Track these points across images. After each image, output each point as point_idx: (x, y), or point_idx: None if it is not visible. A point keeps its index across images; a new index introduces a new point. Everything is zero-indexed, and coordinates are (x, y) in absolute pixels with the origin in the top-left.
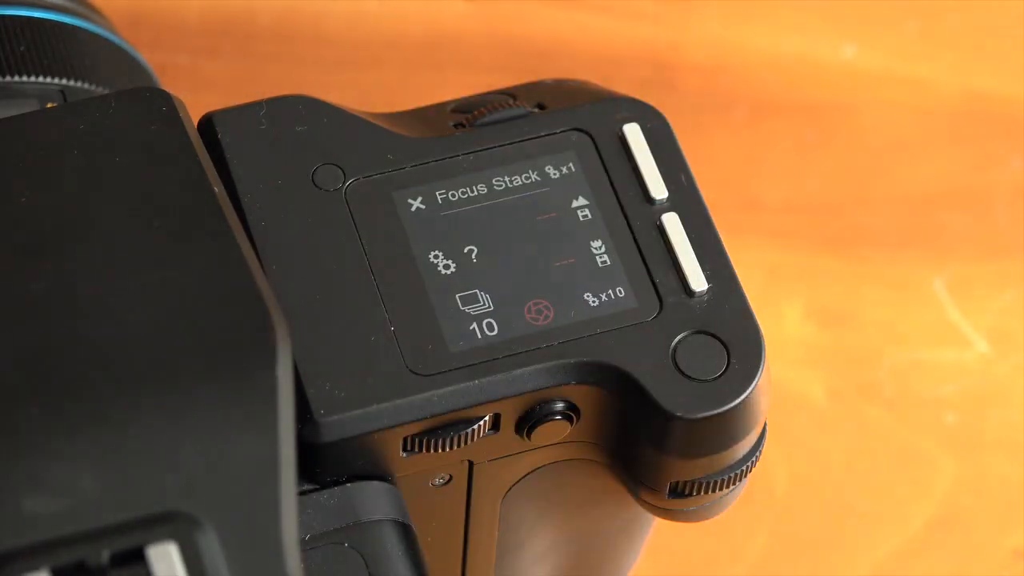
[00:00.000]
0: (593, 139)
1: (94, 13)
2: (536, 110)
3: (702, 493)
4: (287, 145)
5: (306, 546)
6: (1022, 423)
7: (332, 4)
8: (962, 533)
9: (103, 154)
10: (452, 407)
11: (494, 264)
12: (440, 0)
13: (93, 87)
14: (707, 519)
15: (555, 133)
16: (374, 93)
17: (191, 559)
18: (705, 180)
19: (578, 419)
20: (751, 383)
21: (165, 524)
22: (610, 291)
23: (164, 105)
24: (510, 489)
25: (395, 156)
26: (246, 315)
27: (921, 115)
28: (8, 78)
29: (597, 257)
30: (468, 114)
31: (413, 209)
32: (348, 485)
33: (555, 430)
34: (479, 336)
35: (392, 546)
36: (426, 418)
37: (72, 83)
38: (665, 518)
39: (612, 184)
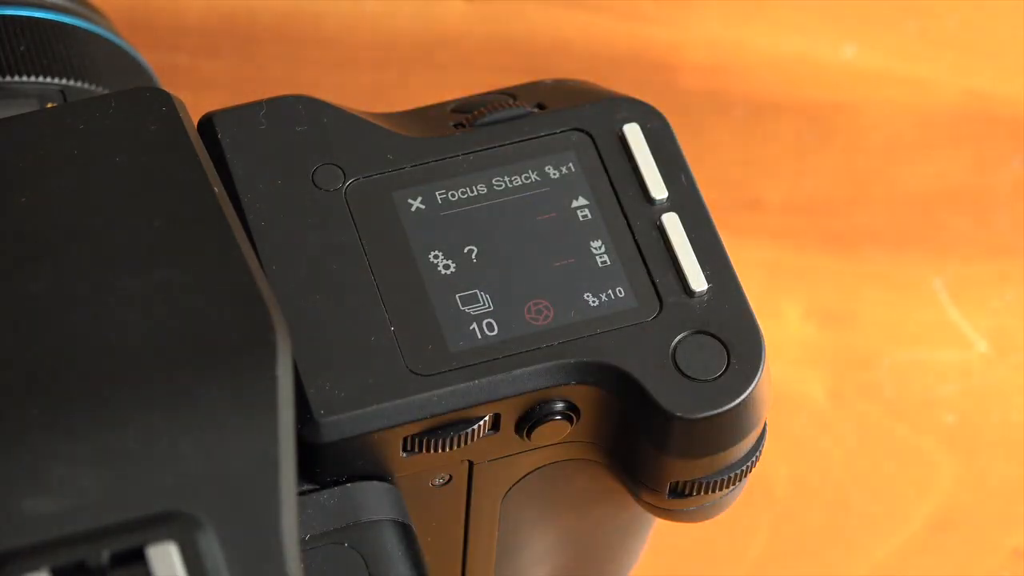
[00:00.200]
0: (593, 139)
1: (94, 13)
2: (536, 110)
3: (702, 493)
4: (287, 145)
5: (306, 546)
6: (1022, 423)
7: (332, 4)
8: (962, 533)
9: (103, 154)
10: (452, 407)
11: (494, 264)
12: (440, 0)
13: (93, 87)
14: (707, 519)
15: (555, 133)
16: (374, 93)
17: (191, 559)
18: (705, 180)
19: (578, 419)
20: (751, 383)
21: (165, 524)
22: (610, 291)
23: (164, 105)
24: (510, 489)
25: (395, 156)
26: (246, 315)
27: (921, 115)
28: (8, 78)
29: (597, 257)
30: (468, 114)
31: (413, 209)
32: (348, 485)
33: (555, 430)
34: (479, 336)
35: (392, 546)
36: (426, 418)
37: (72, 83)
38: (665, 518)
39: (612, 184)
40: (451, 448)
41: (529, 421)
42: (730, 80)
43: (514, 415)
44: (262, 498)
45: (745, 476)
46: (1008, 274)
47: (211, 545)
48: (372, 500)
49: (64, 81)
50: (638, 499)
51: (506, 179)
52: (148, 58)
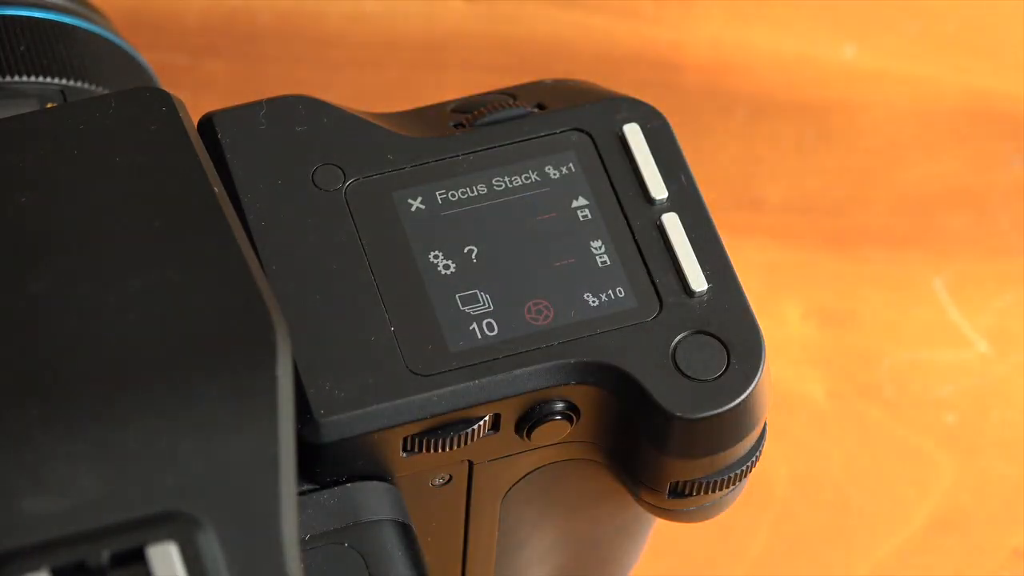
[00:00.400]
0: (593, 139)
1: (94, 13)
2: (536, 110)
3: (702, 493)
4: (287, 145)
5: (306, 546)
6: (1022, 423)
7: (332, 4)
8: (962, 533)
9: (103, 154)
10: (452, 407)
11: (494, 264)
12: (440, 0)
13: (93, 87)
14: (707, 519)
15: (555, 133)
16: (374, 93)
17: (191, 559)
18: (705, 180)
19: (578, 419)
20: (751, 383)
21: (165, 524)
22: (610, 291)
23: (164, 105)
24: (510, 489)
25: (395, 156)
26: (246, 315)
27: (921, 115)
28: (8, 78)
29: (597, 257)
30: (468, 114)
31: (413, 209)
32: (348, 485)
33: (555, 430)
34: (479, 336)
35: (392, 546)
36: (426, 418)
37: (72, 83)
38: (665, 518)
39: (612, 184)
40: (451, 448)
41: (529, 421)
42: (730, 80)
43: (514, 415)
44: (262, 498)
45: (745, 476)
46: (1008, 274)
47: (211, 545)
48: (372, 500)
49: (64, 81)
50: (638, 499)
51: (506, 179)
52: (148, 58)
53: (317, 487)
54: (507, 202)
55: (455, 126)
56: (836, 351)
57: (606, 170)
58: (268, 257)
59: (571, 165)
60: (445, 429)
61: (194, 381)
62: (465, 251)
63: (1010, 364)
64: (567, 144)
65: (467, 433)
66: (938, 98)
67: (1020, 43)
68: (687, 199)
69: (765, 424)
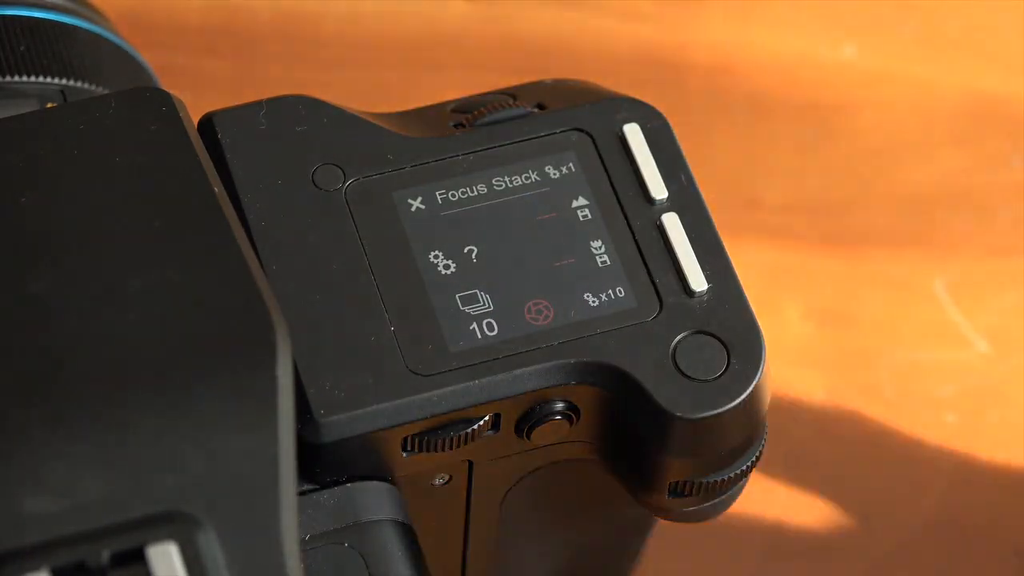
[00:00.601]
0: (593, 139)
1: (94, 13)
2: (536, 110)
3: (702, 493)
4: (287, 145)
5: (306, 546)
6: (1022, 423)
7: (332, 4)
8: (962, 533)
9: (103, 154)
10: (452, 407)
11: (494, 264)
12: (440, 0)
13: (93, 87)
14: (707, 519)
15: (555, 133)
16: (374, 93)
17: (191, 559)
18: (705, 180)
19: (578, 419)
20: (751, 383)
21: (165, 524)
22: (610, 291)
23: (164, 105)
24: (510, 489)
25: (395, 156)
26: (246, 315)
27: (921, 115)
28: (8, 78)
29: (597, 257)
30: (468, 114)
31: (413, 209)
32: (348, 485)
33: (555, 430)
34: (479, 336)
35: (392, 546)
36: (426, 418)
37: (72, 83)
38: (665, 518)
39: (612, 184)
40: (451, 448)
41: (529, 421)
42: (730, 80)
43: (514, 415)
44: (262, 498)
45: (745, 476)
46: (1008, 274)
47: (211, 545)
48: (372, 500)
49: (64, 81)
50: (638, 499)
51: (506, 179)
52: (148, 58)
53: (317, 487)
54: (507, 202)
55: (455, 126)
56: (836, 351)
57: (606, 170)
58: (268, 257)
59: (571, 165)
60: (445, 429)
61: (194, 381)
62: (465, 251)
63: (1010, 364)
64: (567, 144)
65: (467, 433)
66: (938, 98)
67: (1020, 44)
68: (687, 199)
69: (765, 424)
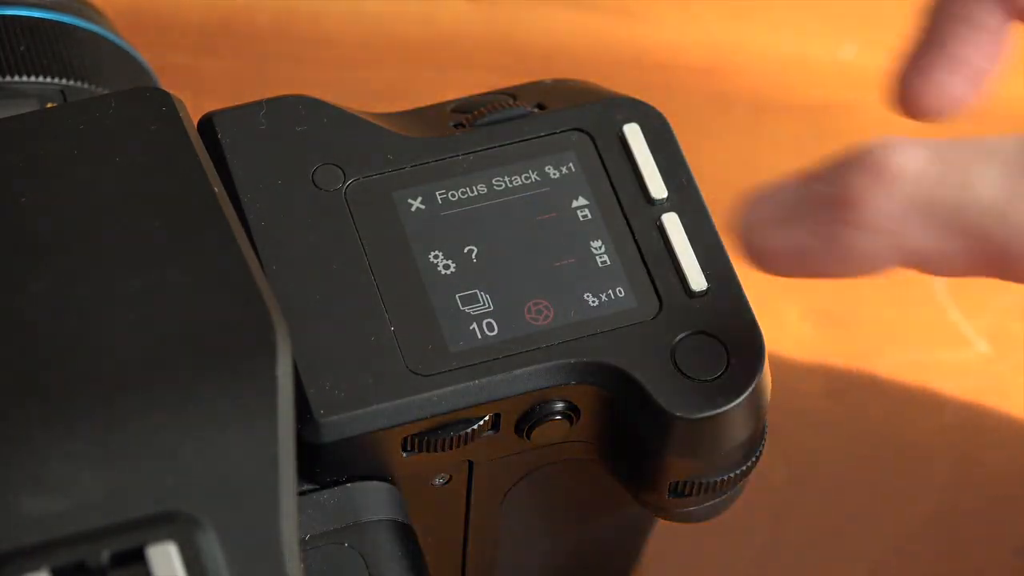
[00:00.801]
0: (593, 139)
1: (94, 13)
2: (536, 110)
3: (702, 493)
4: (287, 145)
5: (306, 546)
6: (1022, 423)
7: (332, 4)
8: (961, 533)
9: (103, 154)
10: (452, 407)
11: (494, 264)
12: (440, 0)
13: (93, 87)
14: (707, 519)
15: (555, 133)
16: (374, 93)
17: (191, 559)
18: (705, 180)
19: (578, 419)
20: (751, 383)
21: (165, 524)
22: (610, 291)
23: (164, 105)
24: (510, 489)
25: (395, 156)
26: (246, 315)
27: None
28: (8, 78)
29: (597, 257)
30: (468, 114)
31: (413, 209)
32: (348, 485)
33: (555, 430)
34: (479, 336)
35: (392, 546)
36: (426, 418)
37: (72, 83)
38: (665, 518)
39: (612, 184)
40: (451, 448)
41: (529, 421)
42: (730, 80)
43: (514, 415)
44: (262, 498)
45: (745, 476)
46: None
47: (211, 545)
48: (372, 500)
49: (64, 81)
50: (638, 499)
51: (506, 179)
52: (148, 58)
53: (317, 487)
54: (507, 202)
55: (455, 126)
56: (836, 351)
57: (606, 170)
58: (268, 257)
59: (571, 165)
60: (445, 429)
61: (194, 381)
62: (465, 251)
63: (1010, 364)
64: (567, 144)
65: (467, 433)
66: None
67: (1020, 44)
68: (687, 199)
69: (765, 424)
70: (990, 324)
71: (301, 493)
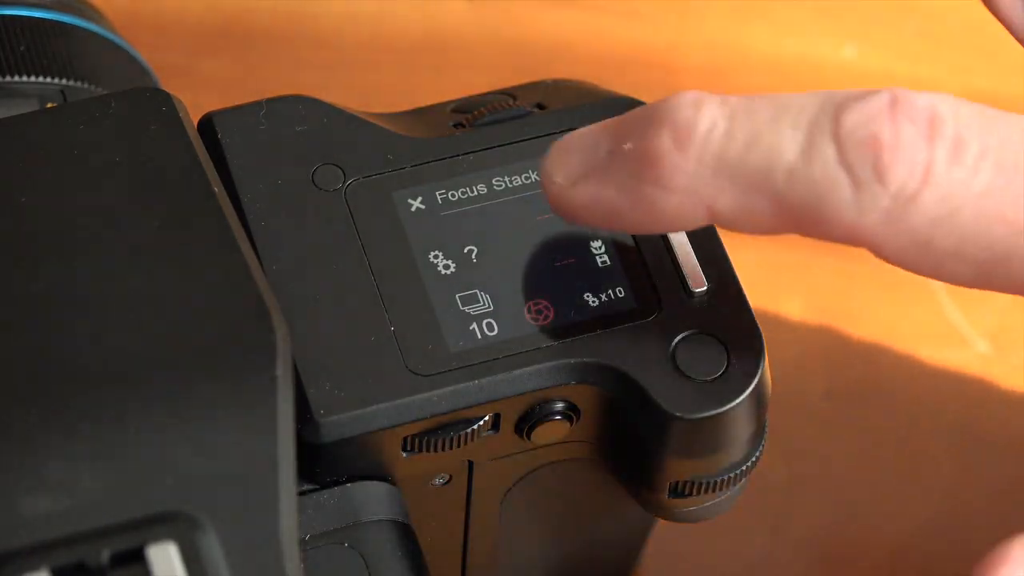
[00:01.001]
0: None
1: (94, 13)
2: (536, 110)
3: (702, 493)
4: (287, 145)
5: (306, 546)
6: (1022, 423)
7: (332, 4)
8: (961, 533)
9: (103, 154)
10: (452, 407)
11: (494, 264)
12: (440, 0)
13: (93, 87)
14: (707, 519)
15: (555, 133)
16: (374, 93)
17: (191, 559)
18: None
19: (578, 419)
20: (751, 383)
21: (165, 524)
22: (610, 291)
23: (164, 105)
24: (510, 489)
25: (395, 156)
26: (246, 315)
27: None
28: (8, 78)
29: (597, 257)
30: (468, 114)
31: (413, 209)
32: (348, 485)
33: (555, 430)
34: (479, 336)
35: (392, 546)
36: (426, 418)
37: (72, 83)
38: (665, 518)
39: None
40: (451, 448)
41: (529, 421)
42: (730, 81)
43: (514, 415)
44: (262, 498)
45: (745, 476)
46: None
47: (211, 545)
48: (372, 500)
49: (64, 81)
50: (638, 499)
51: (506, 179)
52: (148, 58)
53: (317, 487)
54: (507, 202)
55: (455, 126)
56: (836, 351)
57: None
58: (268, 257)
59: None
60: (445, 429)
61: (194, 381)
62: (465, 251)
63: (1010, 364)
64: None
65: (467, 433)
66: None
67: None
68: None
69: (765, 424)
70: (990, 324)
71: (301, 493)
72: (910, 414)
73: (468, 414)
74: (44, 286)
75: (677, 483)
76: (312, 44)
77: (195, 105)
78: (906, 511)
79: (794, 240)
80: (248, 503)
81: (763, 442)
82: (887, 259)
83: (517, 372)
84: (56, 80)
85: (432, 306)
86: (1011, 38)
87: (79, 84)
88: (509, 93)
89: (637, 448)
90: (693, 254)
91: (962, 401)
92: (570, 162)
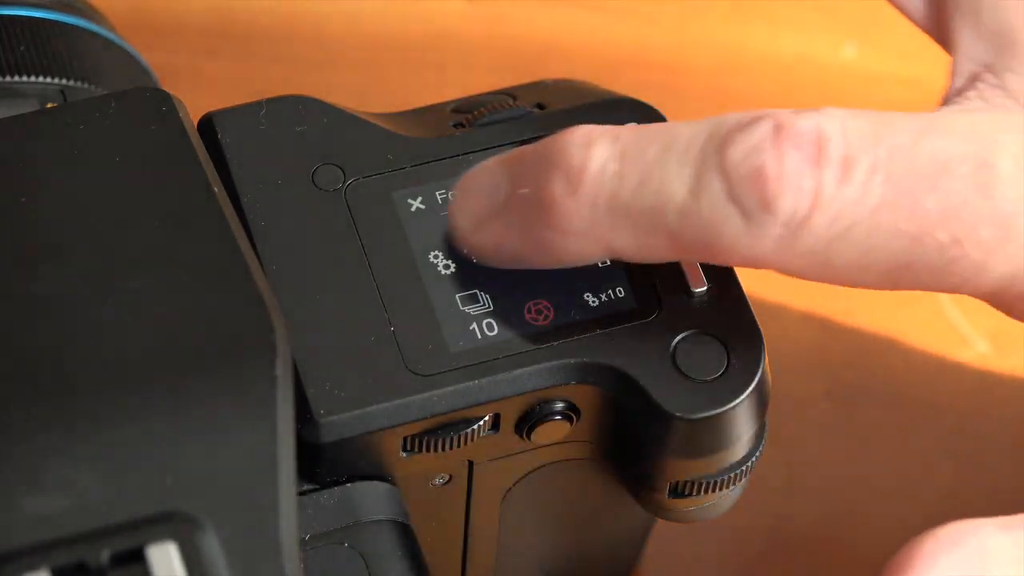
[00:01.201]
0: None
1: (94, 13)
2: (536, 110)
3: (702, 493)
4: (287, 145)
5: (306, 546)
6: (1022, 423)
7: (332, 4)
8: None
9: (103, 154)
10: (452, 407)
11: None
12: (440, 0)
13: (93, 87)
14: (707, 519)
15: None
16: (374, 93)
17: (191, 559)
18: None
19: (578, 419)
20: (751, 383)
21: (165, 524)
22: (610, 291)
23: (164, 105)
24: (510, 489)
25: (395, 156)
26: (246, 315)
27: None
28: (8, 78)
29: None
30: (468, 114)
31: (413, 209)
32: (348, 485)
33: (555, 430)
34: (479, 336)
35: (392, 546)
36: (426, 418)
37: (72, 83)
38: (665, 518)
39: None
40: (451, 448)
41: (529, 421)
42: (730, 80)
43: (514, 415)
44: (262, 498)
45: (745, 476)
46: None
47: (211, 545)
48: (372, 500)
49: (64, 81)
50: (638, 499)
51: None
52: (148, 58)
53: (317, 487)
54: None
55: (455, 126)
56: (836, 351)
57: None
58: (268, 257)
59: None
60: (445, 429)
61: (194, 381)
62: (465, 251)
63: (1010, 364)
64: None
65: (467, 433)
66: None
67: None
68: None
69: (765, 424)
70: (990, 324)
71: (301, 493)
72: (910, 414)
73: (468, 414)
74: (44, 286)
75: (677, 483)
76: (312, 44)
77: (195, 105)
78: (906, 511)
79: None
80: (248, 503)
81: (763, 442)
82: (793, 276)
83: (517, 372)
84: (56, 80)
85: (432, 306)
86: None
87: (79, 84)
88: (509, 93)
89: (637, 448)
90: None
91: (962, 401)
92: (471, 206)
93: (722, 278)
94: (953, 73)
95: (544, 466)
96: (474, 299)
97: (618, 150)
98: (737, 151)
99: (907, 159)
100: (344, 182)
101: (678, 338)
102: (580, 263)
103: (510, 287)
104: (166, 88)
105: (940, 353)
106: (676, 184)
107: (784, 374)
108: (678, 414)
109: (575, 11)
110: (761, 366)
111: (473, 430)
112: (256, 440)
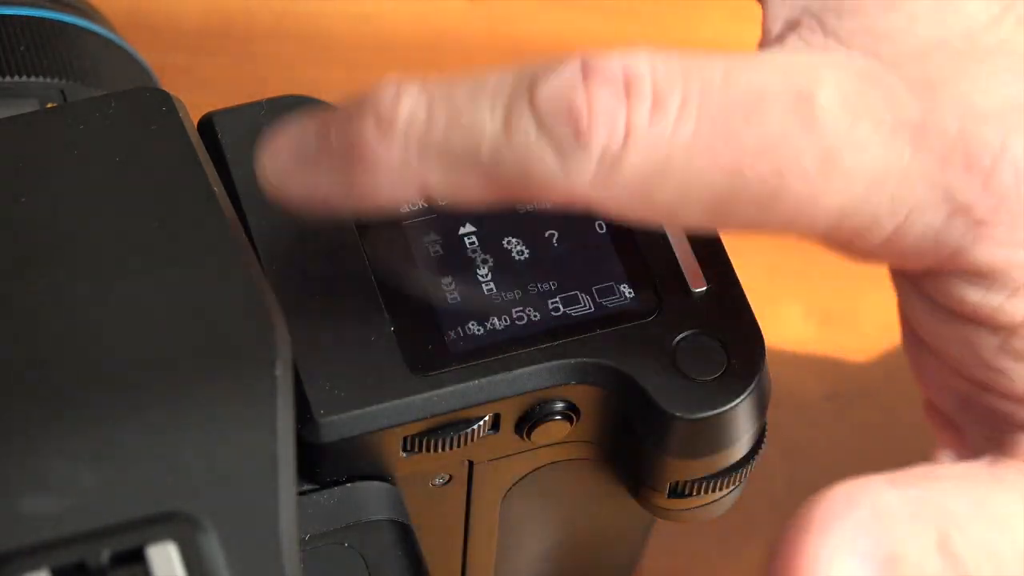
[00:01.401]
0: None
1: (94, 13)
2: None
3: (702, 493)
4: None
5: (306, 546)
6: None
7: (331, 4)
8: None
9: (103, 154)
10: (452, 407)
11: (494, 264)
12: (440, 0)
13: (93, 87)
14: (707, 519)
15: None
16: None
17: (191, 559)
18: None
19: (578, 419)
20: (751, 383)
21: (165, 524)
22: (610, 291)
23: (164, 105)
24: (510, 489)
25: None
26: (246, 316)
27: None
28: (8, 78)
29: (597, 257)
30: None
31: (412, 208)
32: (348, 485)
33: (555, 430)
34: (479, 336)
35: (392, 546)
36: (426, 418)
37: (72, 83)
38: (665, 518)
39: None
40: (451, 448)
41: (529, 421)
42: None
43: (514, 415)
44: (261, 498)
45: (745, 476)
46: None
47: (211, 545)
48: (372, 500)
49: (64, 81)
50: (638, 499)
51: None
52: (148, 58)
53: (317, 487)
54: None
55: None
56: (836, 351)
57: None
58: (268, 257)
59: None
60: (445, 429)
61: (194, 381)
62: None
63: None
64: None
65: (467, 433)
66: None
67: None
68: None
69: (765, 424)
70: None
71: (301, 493)
72: (910, 414)
73: (468, 414)
74: (44, 286)
75: (677, 483)
76: (312, 44)
77: (195, 105)
78: None
79: (794, 240)
80: (248, 503)
81: (763, 442)
82: (616, 219)
83: (517, 372)
84: (56, 80)
85: (432, 306)
86: None
87: (79, 84)
88: None
89: (637, 448)
90: (693, 254)
91: None
92: (281, 157)
93: (722, 278)
94: (767, 19)
95: (544, 466)
96: (474, 299)
97: (427, 94)
98: (547, 88)
99: (721, 93)
100: None
101: (678, 338)
102: (391, 204)
103: (510, 287)
104: (166, 88)
105: None
106: (487, 122)
107: (784, 374)
108: (678, 414)
109: (575, 11)
110: (761, 366)
111: (473, 430)
112: (256, 440)
